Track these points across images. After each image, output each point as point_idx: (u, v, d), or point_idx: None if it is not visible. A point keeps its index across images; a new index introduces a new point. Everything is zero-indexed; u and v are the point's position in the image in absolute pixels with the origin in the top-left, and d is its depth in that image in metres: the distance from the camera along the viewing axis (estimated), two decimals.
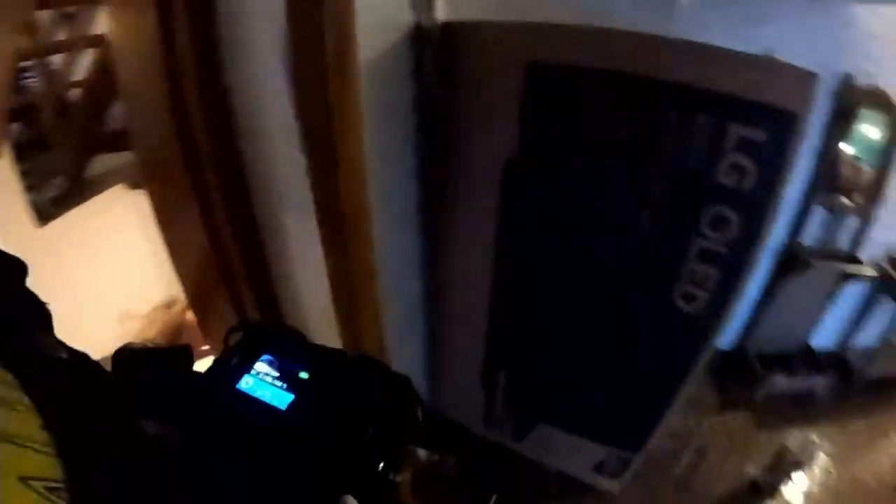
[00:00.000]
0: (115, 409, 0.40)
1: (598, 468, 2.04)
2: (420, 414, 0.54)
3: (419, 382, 0.96)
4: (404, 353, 1.87)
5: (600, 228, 1.39)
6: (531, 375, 1.88)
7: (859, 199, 2.38)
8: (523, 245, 1.55)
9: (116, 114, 2.10)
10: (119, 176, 2.34)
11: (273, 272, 0.75)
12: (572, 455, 2.04)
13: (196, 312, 0.81)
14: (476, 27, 1.19)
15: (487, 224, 1.51)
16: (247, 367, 0.54)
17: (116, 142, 2.19)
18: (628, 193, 1.28)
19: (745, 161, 1.08)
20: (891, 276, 2.50)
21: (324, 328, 0.84)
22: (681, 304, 1.38)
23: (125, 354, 0.54)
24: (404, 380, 0.53)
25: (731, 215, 1.17)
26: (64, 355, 0.40)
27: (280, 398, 0.51)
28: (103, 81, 1.99)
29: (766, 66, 1.06)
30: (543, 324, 1.70)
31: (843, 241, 2.54)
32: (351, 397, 0.52)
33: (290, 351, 0.56)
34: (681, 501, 2.23)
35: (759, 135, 1.04)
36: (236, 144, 0.62)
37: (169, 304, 2.72)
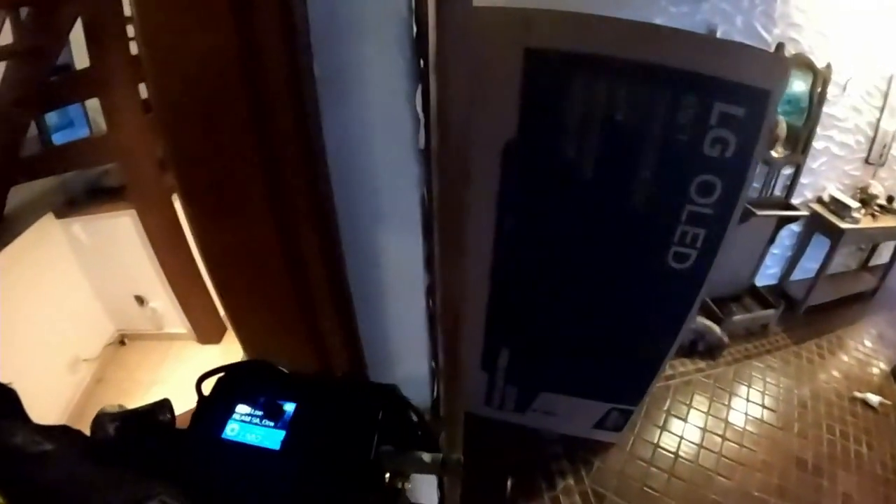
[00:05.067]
0: (118, 491, 0.37)
1: (600, 424, 2.17)
2: (415, 417, 0.54)
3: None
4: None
5: (597, 204, 1.49)
6: (533, 349, 1.94)
7: (782, 151, 2.68)
8: (523, 223, 1.59)
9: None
10: (45, 205, 2.08)
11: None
12: (574, 417, 2.16)
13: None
14: (476, 13, 1.24)
15: (488, 206, 1.55)
16: (228, 413, 0.51)
17: (35, 167, 1.88)
18: (624, 170, 1.39)
19: (727, 134, 1.23)
20: (820, 215, 2.84)
21: (412, 351, 0.79)
22: (673, 264, 1.53)
23: (103, 423, 0.48)
24: (391, 389, 0.52)
25: (716, 181, 1.32)
26: (47, 447, 0.38)
27: (271, 437, 0.49)
28: (25, 98, 1.65)
29: (744, 50, 1.20)
30: (544, 298, 1.77)
31: (777, 189, 2.83)
32: (343, 419, 0.50)
33: (269, 385, 0.53)
34: (664, 439, 2.41)
35: (738, 111, 1.19)
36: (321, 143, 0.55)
37: (121, 340, 2.51)
